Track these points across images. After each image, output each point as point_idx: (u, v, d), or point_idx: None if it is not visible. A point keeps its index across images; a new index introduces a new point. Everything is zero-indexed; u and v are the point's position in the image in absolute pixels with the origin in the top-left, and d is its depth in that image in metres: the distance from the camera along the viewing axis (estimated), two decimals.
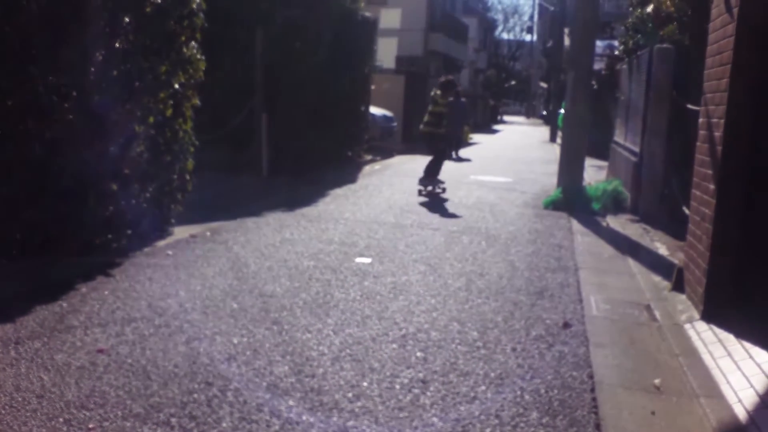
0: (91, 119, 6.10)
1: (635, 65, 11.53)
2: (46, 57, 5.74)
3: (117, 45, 6.30)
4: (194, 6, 7.19)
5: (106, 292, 5.32)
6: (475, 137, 29.85)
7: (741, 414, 3.73)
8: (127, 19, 6.37)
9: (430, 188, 11.89)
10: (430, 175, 11.98)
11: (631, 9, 14.80)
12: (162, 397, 3.63)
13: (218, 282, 5.77)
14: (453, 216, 9.68)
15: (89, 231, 6.30)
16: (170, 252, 6.69)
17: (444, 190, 12.05)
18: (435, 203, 10.75)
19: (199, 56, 7.43)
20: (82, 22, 5.97)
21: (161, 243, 7.02)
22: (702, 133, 5.72)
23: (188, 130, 7.48)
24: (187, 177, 7.62)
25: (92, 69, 6.11)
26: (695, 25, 9.14)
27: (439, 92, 12.17)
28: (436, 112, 12.05)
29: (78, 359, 4.05)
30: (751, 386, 3.96)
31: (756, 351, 4.37)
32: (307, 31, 12.86)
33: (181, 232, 7.49)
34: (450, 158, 12.36)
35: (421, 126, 12.35)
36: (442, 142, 12.46)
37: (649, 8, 12.23)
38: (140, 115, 6.63)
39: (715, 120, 5.35)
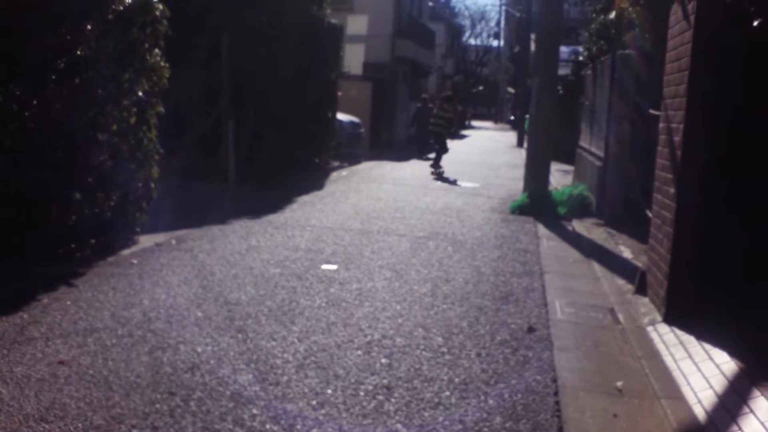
0: (53, 128, 6.03)
1: (599, 71, 11.66)
2: (6, 65, 5.67)
3: (79, 53, 6.24)
4: (157, 13, 7.12)
5: (69, 303, 5.26)
6: None
7: (700, 415, 3.79)
8: (89, 27, 6.31)
9: (440, 171, 16.49)
10: (438, 161, 16.86)
11: (594, 15, 14.99)
12: (124, 408, 3.60)
13: (183, 290, 5.73)
14: (419, 222, 9.70)
15: (52, 240, 6.22)
16: (135, 261, 6.63)
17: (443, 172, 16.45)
18: (402, 208, 10.76)
19: (163, 63, 7.37)
20: (43, 29, 5.91)
21: (126, 252, 6.96)
22: (662, 137, 5.81)
23: (152, 137, 7.41)
24: (152, 185, 7.54)
25: (53, 77, 6.05)
26: (656, 32, 9.26)
27: (446, 105, 17.84)
28: (444, 117, 17.55)
29: (38, 371, 3.99)
30: (711, 387, 4.02)
31: (716, 352, 4.44)
32: (274, 38, 12.83)
33: (146, 240, 7.42)
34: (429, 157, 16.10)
35: (431, 127, 17.81)
36: (446, 139, 17.57)
37: (612, 14, 12.39)
38: (103, 123, 6.57)
39: (674, 125, 5.43)
